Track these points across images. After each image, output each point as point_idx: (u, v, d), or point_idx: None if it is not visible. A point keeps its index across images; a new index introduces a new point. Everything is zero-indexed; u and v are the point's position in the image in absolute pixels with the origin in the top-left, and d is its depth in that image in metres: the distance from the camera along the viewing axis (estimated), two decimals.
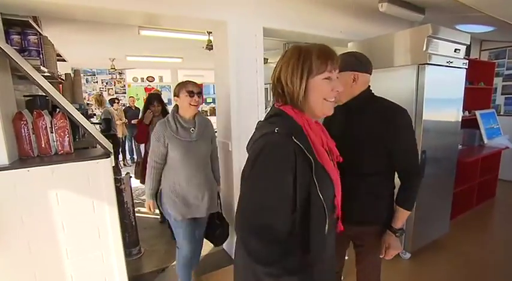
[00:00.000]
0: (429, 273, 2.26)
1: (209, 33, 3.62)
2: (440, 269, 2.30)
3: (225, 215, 2.10)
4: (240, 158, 2.30)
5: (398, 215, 1.23)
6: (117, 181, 2.24)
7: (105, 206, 1.71)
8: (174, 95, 1.80)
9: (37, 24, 1.95)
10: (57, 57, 2.81)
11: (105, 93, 7.18)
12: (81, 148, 1.95)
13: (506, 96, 4.64)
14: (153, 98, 2.85)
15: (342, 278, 1.57)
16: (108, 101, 6.03)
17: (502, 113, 4.56)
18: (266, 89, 4.12)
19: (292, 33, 2.56)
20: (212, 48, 3.81)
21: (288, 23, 2.40)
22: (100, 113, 5.30)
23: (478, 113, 3.66)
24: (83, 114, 2.42)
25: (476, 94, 3.72)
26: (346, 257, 1.54)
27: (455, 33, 2.24)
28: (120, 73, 7.47)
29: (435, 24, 2.03)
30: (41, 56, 1.86)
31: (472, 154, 3.24)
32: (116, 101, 5.88)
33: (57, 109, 1.78)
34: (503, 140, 3.69)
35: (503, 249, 2.61)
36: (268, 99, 3.45)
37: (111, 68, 6.05)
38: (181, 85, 1.75)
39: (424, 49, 2.05)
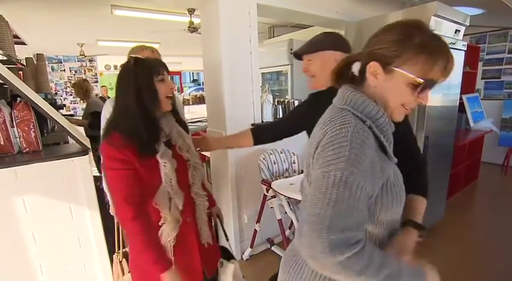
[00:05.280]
0: (430, 260, 2.24)
1: (190, 13, 3.32)
2: (440, 255, 2.29)
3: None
4: (234, 150, 2.10)
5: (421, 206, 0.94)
6: (97, 179, 1.98)
7: (85, 210, 1.48)
8: None
9: None
10: (15, 39, 2.42)
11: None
12: (51, 144, 1.67)
13: (486, 80, 4.77)
14: None
15: None
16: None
17: (482, 97, 4.66)
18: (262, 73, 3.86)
19: (286, 12, 2.35)
20: (195, 31, 3.53)
21: (282, 0, 2.19)
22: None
23: (464, 97, 3.68)
24: (51, 104, 2.10)
25: (462, 78, 3.73)
26: None
27: (457, 13, 2.14)
28: (90, 60, 6.87)
29: (440, 2, 1.92)
30: None
31: (461, 137, 3.26)
32: None
33: (18, 99, 1.48)
34: (488, 123, 3.77)
35: (495, 230, 2.66)
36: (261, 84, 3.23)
37: (80, 55, 5.48)
38: None
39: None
